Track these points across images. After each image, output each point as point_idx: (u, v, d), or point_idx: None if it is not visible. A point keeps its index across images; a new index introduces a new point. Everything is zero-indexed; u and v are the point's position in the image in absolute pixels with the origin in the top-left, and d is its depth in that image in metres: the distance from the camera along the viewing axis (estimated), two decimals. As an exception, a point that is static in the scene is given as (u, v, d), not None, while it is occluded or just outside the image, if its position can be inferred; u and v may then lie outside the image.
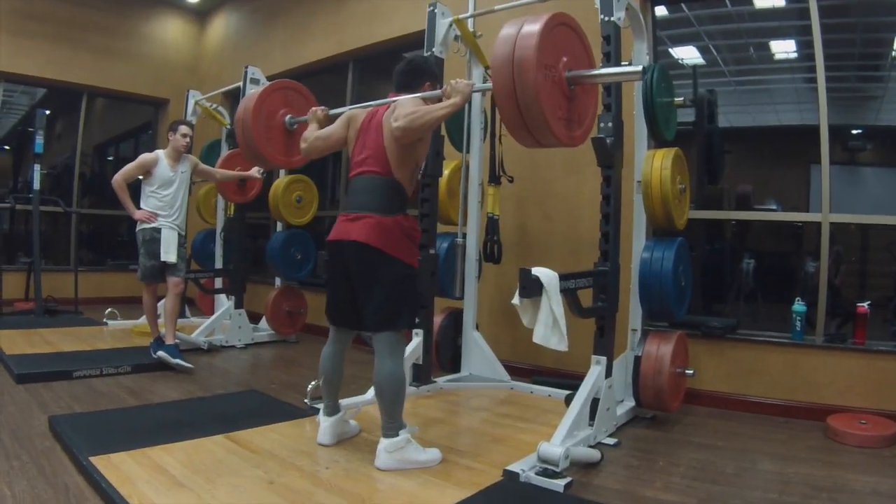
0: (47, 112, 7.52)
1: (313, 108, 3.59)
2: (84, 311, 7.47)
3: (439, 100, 3.09)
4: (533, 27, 2.57)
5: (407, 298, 3.08)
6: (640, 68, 2.87)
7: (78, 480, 2.75)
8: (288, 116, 4.01)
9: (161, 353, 4.92)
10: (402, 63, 3.34)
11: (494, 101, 4.80)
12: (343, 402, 3.49)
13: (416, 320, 3.07)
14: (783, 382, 4.35)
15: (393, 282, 3.00)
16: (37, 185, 7.22)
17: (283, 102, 4.05)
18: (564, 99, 2.76)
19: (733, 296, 5.24)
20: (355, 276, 3.04)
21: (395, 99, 3.19)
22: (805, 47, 4.79)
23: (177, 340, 5.15)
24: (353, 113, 3.35)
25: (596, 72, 2.90)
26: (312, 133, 3.39)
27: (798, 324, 4.40)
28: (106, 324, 6.58)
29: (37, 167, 7.24)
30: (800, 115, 5.13)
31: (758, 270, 5.18)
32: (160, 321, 5.26)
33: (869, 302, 4.30)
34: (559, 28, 2.71)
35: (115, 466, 2.79)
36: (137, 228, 5.13)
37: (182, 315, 7.07)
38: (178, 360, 4.90)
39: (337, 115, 3.47)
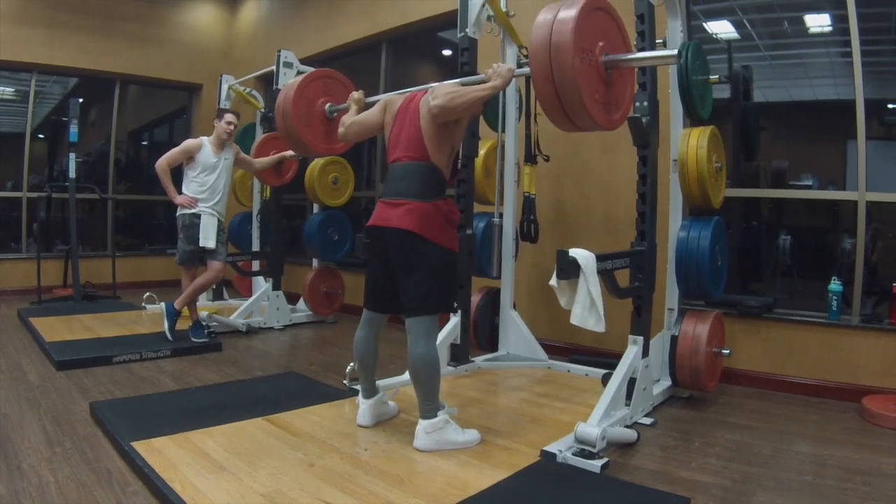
0: (81, 100, 7.57)
1: (352, 93, 3.68)
2: (122, 296, 7.56)
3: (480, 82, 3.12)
4: (569, 12, 2.56)
5: (446, 283, 3.10)
6: (675, 52, 2.97)
7: (120, 465, 2.81)
8: (328, 105, 4.06)
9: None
10: None
11: (531, 83, 4.81)
12: (381, 382, 3.53)
13: (455, 305, 3.07)
14: (819, 362, 4.30)
15: (433, 267, 3.01)
16: (72, 174, 7.27)
17: (323, 91, 4.10)
18: (602, 83, 2.74)
19: (770, 274, 5.18)
20: (395, 262, 3.07)
21: (432, 85, 3.21)
22: (840, 21, 4.67)
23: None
24: (389, 98, 3.38)
25: (632, 56, 2.88)
26: (350, 118, 3.46)
27: (834, 303, 4.33)
28: (144, 308, 6.65)
29: (72, 156, 7.28)
30: (835, 89, 5.02)
31: (794, 248, 5.10)
32: (199, 304, 5.32)
33: (905, 281, 4.21)
34: (595, 13, 2.70)
35: (157, 451, 2.84)
36: (178, 213, 5.20)
37: (220, 297, 7.19)
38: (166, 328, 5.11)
39: (373, 103, 3.50)
